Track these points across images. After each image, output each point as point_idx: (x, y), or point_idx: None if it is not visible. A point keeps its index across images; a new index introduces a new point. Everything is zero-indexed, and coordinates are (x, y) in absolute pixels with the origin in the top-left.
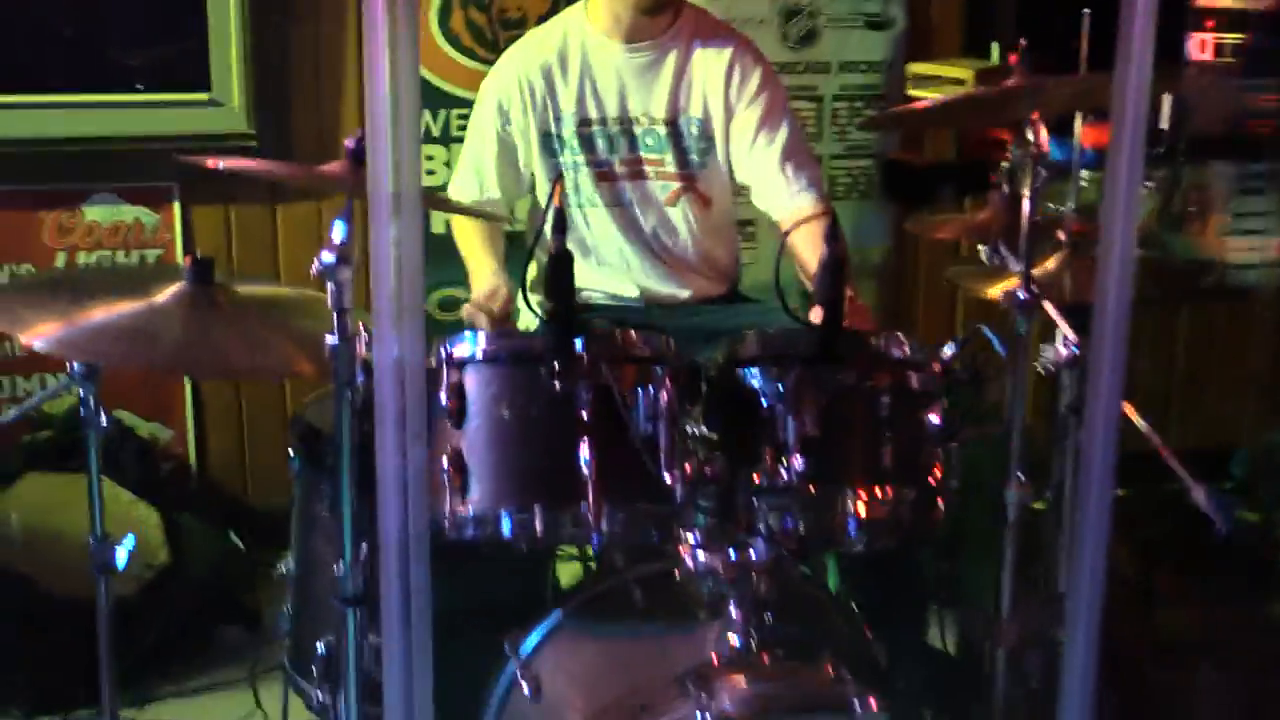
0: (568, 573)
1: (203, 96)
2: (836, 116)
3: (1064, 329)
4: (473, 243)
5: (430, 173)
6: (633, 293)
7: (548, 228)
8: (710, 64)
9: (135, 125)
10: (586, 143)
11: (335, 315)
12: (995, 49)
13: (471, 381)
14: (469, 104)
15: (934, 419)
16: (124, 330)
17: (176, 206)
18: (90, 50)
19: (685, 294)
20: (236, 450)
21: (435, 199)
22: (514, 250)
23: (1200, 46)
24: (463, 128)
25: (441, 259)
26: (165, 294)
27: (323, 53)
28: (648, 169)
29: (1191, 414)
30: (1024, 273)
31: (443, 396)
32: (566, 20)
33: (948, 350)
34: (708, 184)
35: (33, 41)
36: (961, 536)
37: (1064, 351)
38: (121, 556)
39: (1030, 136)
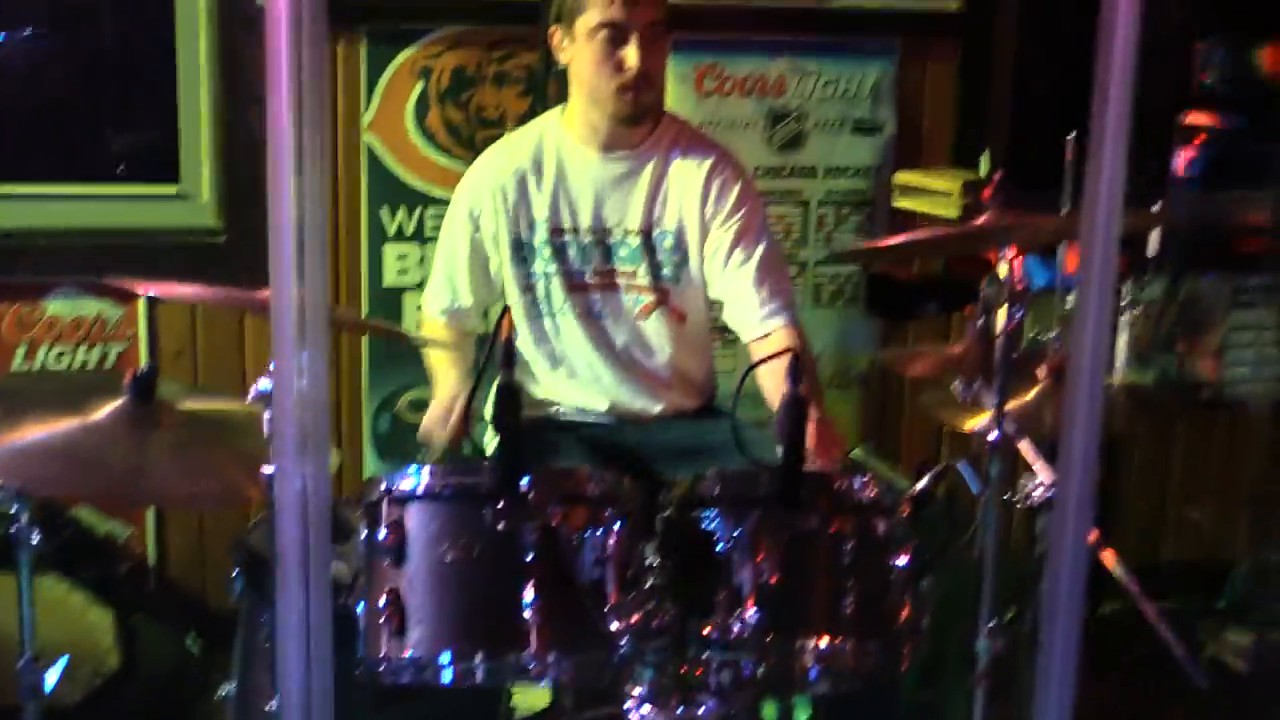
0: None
1: (171, 189)
2: (823, 222)
3: (1040, 470)
4: (441, 354)
5: (403, 271)
6: (602, 406)
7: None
8: (688, 176)
9: (101, 217)
10: (559, 252)
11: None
12: (985, 159)
13: (413, 519)
14: (444, 202)
15: (902, 561)
16: (58, 452)
17: (141, 302)
18: (55, 139)
19: (657, 408)
20: (197, 549)
21: (370, 325)
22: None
23: (1188, 164)
24: (436, 226)
25: (410, 360)
26: (104, 411)
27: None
28: (620, 281)
29: (1186, 529)
30: (997, 413)
31: (382, 532)
32: (543, 126)
33: (919, 485)
34: (682, 298)
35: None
36: (942, 660)
37: (1038, 494)
38: (51, 679)
39: (1004, 272)
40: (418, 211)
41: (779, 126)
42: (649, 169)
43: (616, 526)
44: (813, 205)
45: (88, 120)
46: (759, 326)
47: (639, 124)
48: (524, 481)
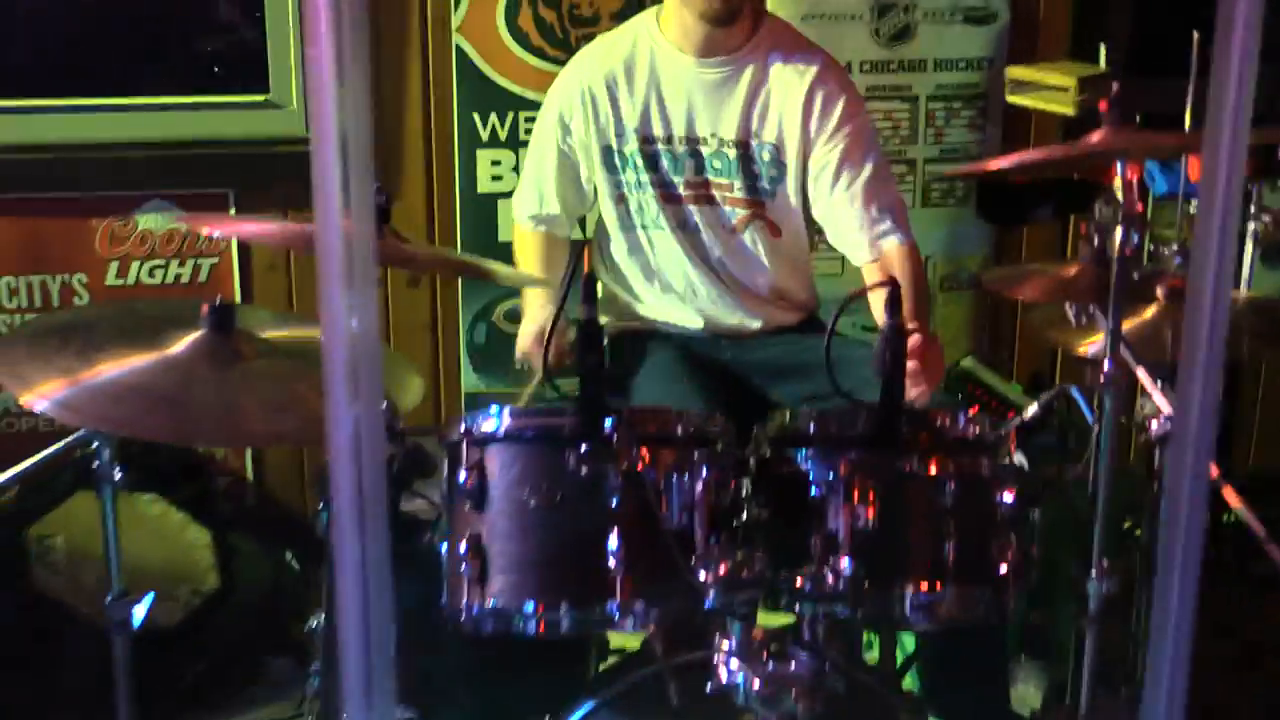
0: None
1: (260, 98)
2: (933, 118)
3: (1158, 400)
4: (530, 262)
5: (497, 178)
6: (698, 323)
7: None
8: (790, 86)
9: (191, 128)
10: (650, 161)
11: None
12: (1103, 51)
13: (494, 461)
14: (538, 106)
15: (1007, 499)
16: (132, 391)
17: (233, 214)
18: (143, 51)
19: (755, 325)
20: (294, 465)
21: (471, 265)
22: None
23: None
24: (530, 131)
25: (511, 259)
26: (181, 344)
27: (382, 55)
28: (715, 193)
29: None
30: (1111, 343)
31: (462, 475)
32: (637, 27)
33: (1029, 411)
34: (778, 212)
35: (83, 43)
36: (1052, 587)
37: (1156, 426)
38: (139, 614)
39: (1120, 195)
40: (510, 116)
41: (886, 17)
42: (747, 75)
43: (704, 471)
44: (922, 101)
45: (177, 31)
46: (870, 249)
47: (730, 23)
48: (608, 423)
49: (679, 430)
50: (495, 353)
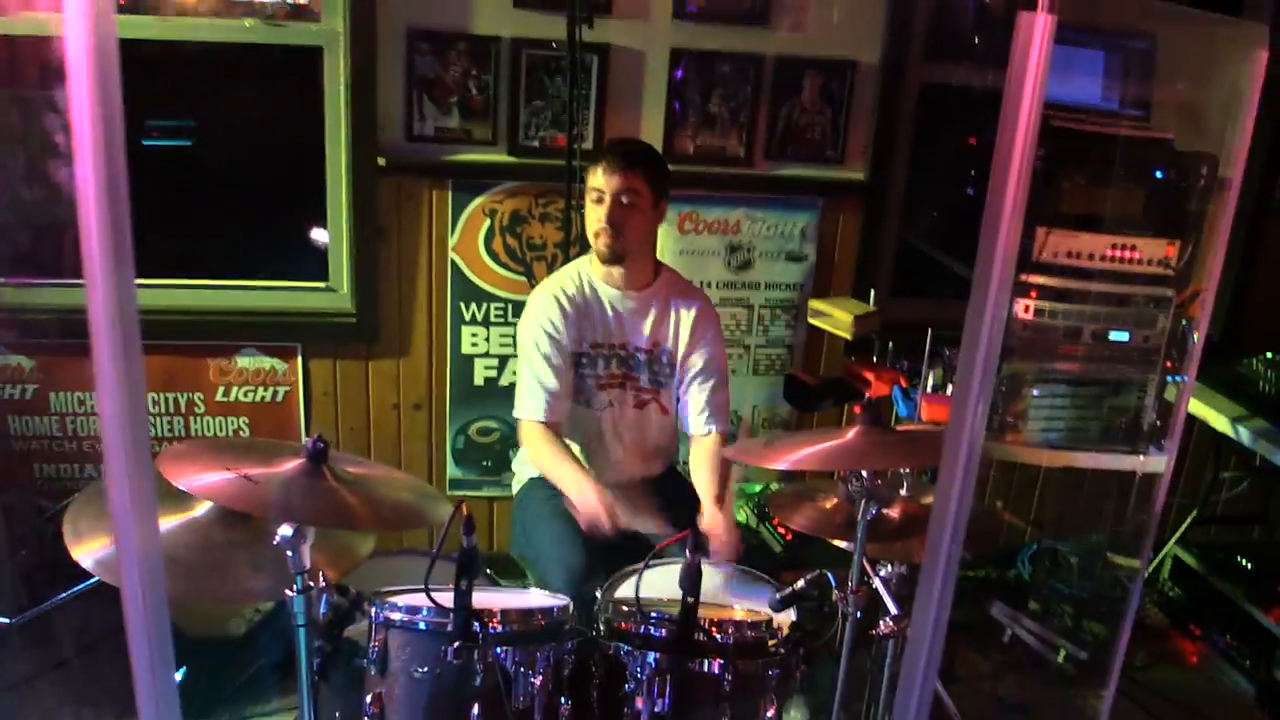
0: None
1: (321, 284)
2: (762, 319)
3: (888, 605)
4: (551, 456)
5: (474, 345)
6: (610, 474)
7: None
8: (681, 315)
9: (276, 301)
10: (593, 360)
11: (295, 574)
12: (873, 295)
13: (394, 642)
14: (502, 300)
15: (771, 674)
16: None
17: (299, 359)
18: (248, 250)
19: (638, 475)
20: None
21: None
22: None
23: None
24: (498, 314)
25: (477, 400)
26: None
27: (403, 258)
28: (629, 382)
29: None
30: (855, 570)
31: (372, 648)
32: (580, 266)
33: (798, 584)
34: (666, 398)
35: (211, 242)
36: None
37: (883, 627)
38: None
39: (863, 477)
40: (485, 306)
41: (735, 254)
42: (653, 306)
43: (543, 667)
44: (756, 307)
45: (271, 235)
46: (704, 428)
47: (611, 264)
48: (475, 628)
49: (535, 624)
50: (469, 454)
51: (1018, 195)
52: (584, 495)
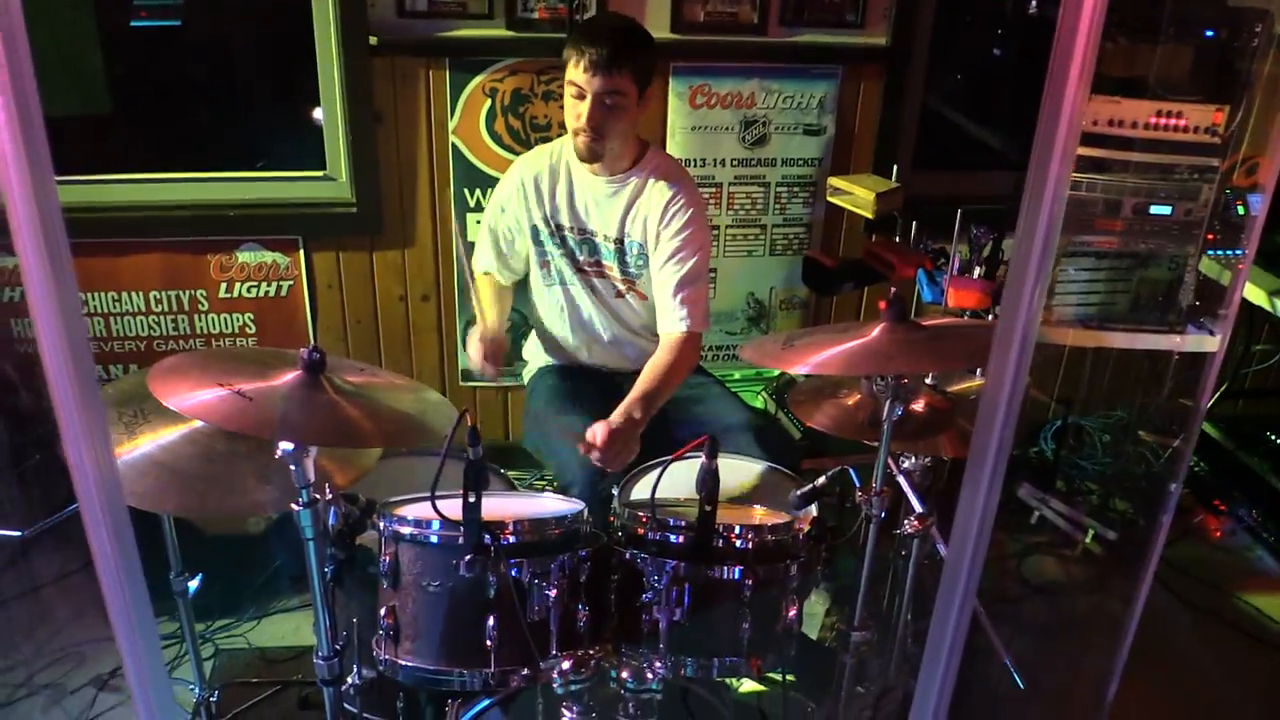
0: None
1: (319, 174)
2: (779, 198)
3: (913, 503)
4: (484, 297)
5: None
6: (598, 359)
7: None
8: (654, 201)
9: (274, 193)
10: (561, 241)
11: (299, 488)
12: (895, 170)
13: (406, 555)
14: None
15: (793, 571)
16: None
17: (301, 252)
18: (243, 138)
19: (630, 360)
20: None
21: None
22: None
23: None
24: None
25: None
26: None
27: (401, 144)
28: (604, 270)
29: None
30: (878, 469)
31: (383, 561)
32: (559, 145)
33: (818, 481)
34: (645, 286)
35: (204, 131)
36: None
37: (907, 526)
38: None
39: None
40: (489, 190)
41: (749, 129)
42: (628, 190)
43: (559, 577)
44: (773, 185)
45: (266, 126)
46: (665, 326)
47: (589, 162)
48: (486, 539)
49: (549, 534)
50: None
51: (1086, 58)
52: (470, 342)
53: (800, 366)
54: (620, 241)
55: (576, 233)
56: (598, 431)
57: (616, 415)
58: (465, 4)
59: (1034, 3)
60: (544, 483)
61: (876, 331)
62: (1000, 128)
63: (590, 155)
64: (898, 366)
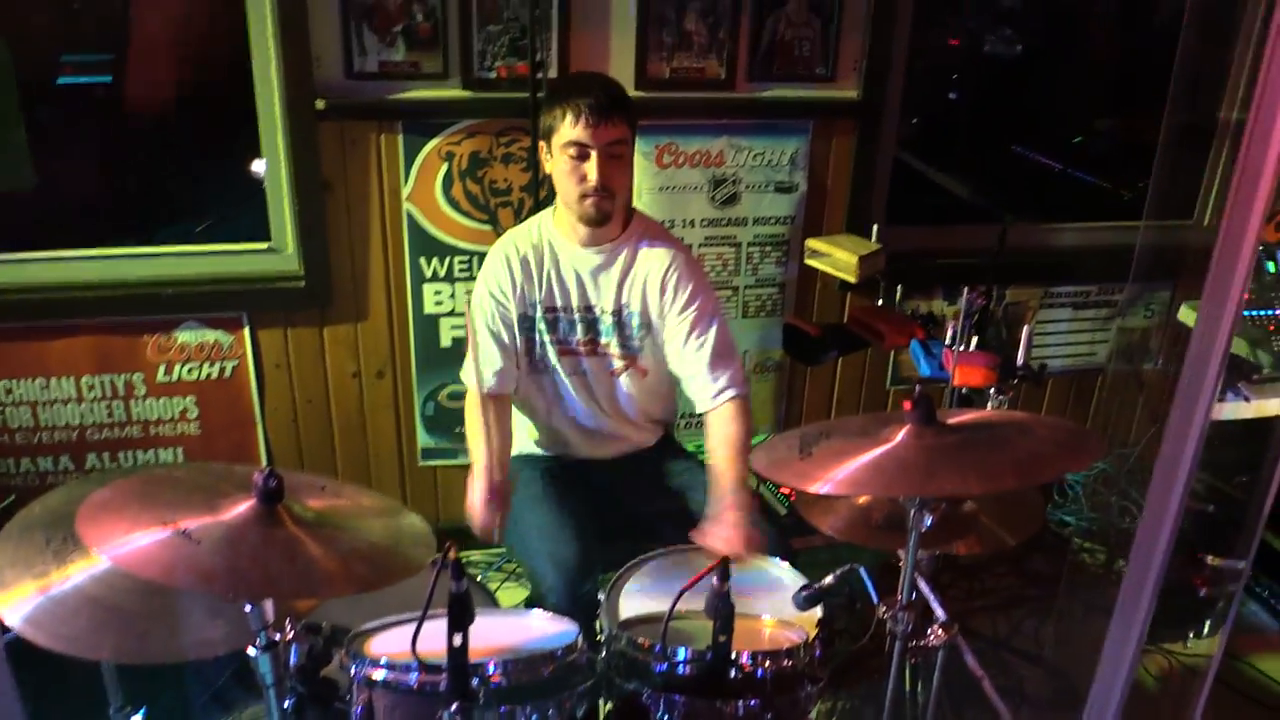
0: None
1: (263, 245)
2: (751, 258)
3: (937, 611)
4: (471, 430)
5: (439, 304)
6: (581, 452)
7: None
8: (651, 269)
9: (214, 267)
10: (552, 325)
11: (256, 631)
12: (875, 230)
13: (380, 703)
14: (466, 252)
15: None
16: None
17: (246, 329)
18: (180, 209)
19: (623, 448)
20: None
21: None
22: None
23: None
24: (462, 269)
25: (445, 363)
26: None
27: (352, 212)
28: (600, 348)
29: None
30: (903, 582)
31: (356, 709)
32: (540, 221)
33: (827, 580)
34: (646, 361)
35: (137, 201)
36: None
37: (932, 637)
38: None
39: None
40: (447, 259)
41: (719, 188)
42: (620, 260)
43: (556, 716)
44: (744, 245)
45: (208, 198)
46: (712, 401)
47: (600, 226)
48: (474, 683)
49: (542, 673)
50: (441, 420)
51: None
52: (470, 496)
53: (824, 485)
54: (619, 314)
55: (572, 312)
56: (734, 543)
57: (729, 513)
58: (419, 63)
59: (988, 43)
60: (514, 564)
61: (902, 436)
62: (967, 174)
63: (602, 218)
64: (940, 487)
